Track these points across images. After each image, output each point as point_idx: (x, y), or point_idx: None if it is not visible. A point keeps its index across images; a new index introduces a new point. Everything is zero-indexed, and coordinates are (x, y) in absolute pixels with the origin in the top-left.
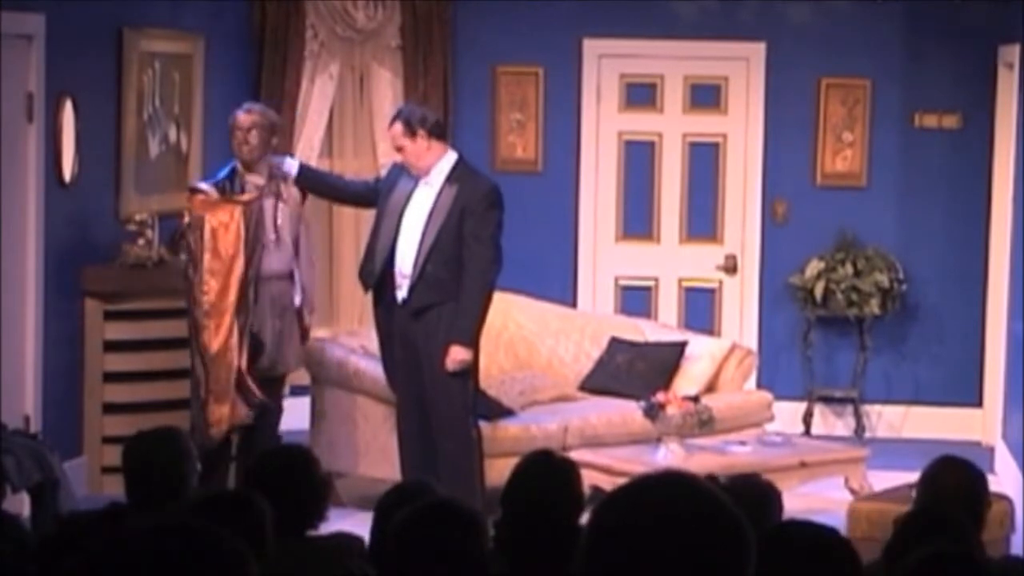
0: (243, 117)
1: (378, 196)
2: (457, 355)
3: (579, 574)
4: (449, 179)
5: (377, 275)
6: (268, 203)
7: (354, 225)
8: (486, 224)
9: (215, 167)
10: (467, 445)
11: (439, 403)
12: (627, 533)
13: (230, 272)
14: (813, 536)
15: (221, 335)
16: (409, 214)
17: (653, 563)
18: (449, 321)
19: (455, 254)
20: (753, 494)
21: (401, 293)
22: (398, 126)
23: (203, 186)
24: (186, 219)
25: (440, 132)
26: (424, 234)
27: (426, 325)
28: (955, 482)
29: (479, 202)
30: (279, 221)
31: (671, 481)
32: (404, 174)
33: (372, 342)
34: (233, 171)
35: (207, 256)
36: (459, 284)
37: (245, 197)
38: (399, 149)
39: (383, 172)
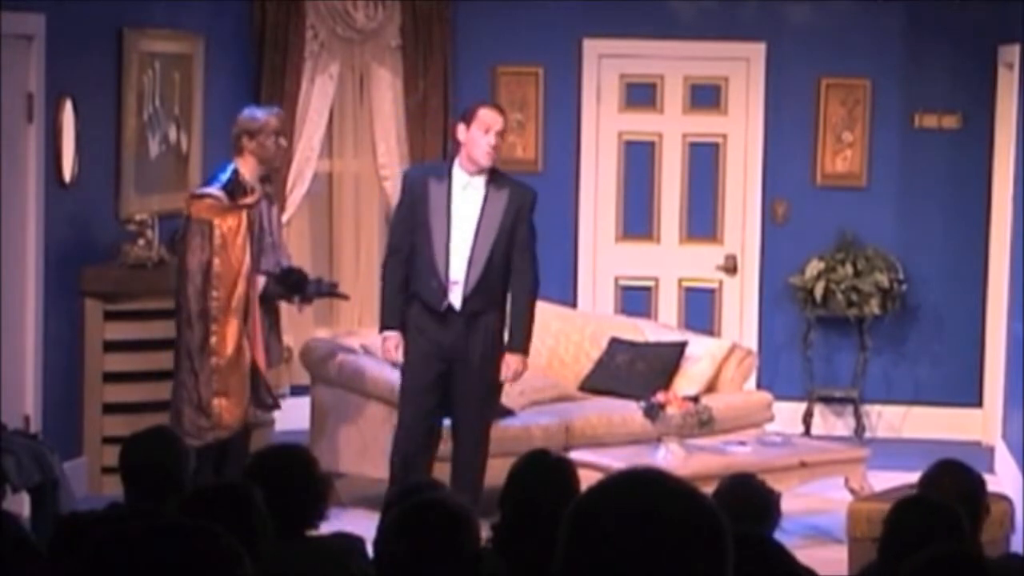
0: (275, 121)
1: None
2: (518, 366)
3: (558, 574)
4: (491, 181)
5: (442, 290)
6: (264, 204)
7: (354, 225)
8: (533, 230)
9: (215, 167)
10: (486, 450)
11: (479, 410)
12: (601, 533)
13: (238, 275)
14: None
15: (232, 338)
16: (458, 218)
17: (629, 562)
18: (497, 329)
19: (507, 260)
20: (753, 502)
21: (454, 299)
22: (504, 120)
23: (212, 191)
24: (181, 226)
25: None
26: (477, 238)
27: (475, 333)
28: (954, 485)
29: (530, 207)
30: (273, 222)
31: (643, 479)
32: (431, 178)
33: (372, 342)
34: (235, 174)
35: (216, 261)
36: (503, 290)
37: (249, 200)
38: (502, 134)
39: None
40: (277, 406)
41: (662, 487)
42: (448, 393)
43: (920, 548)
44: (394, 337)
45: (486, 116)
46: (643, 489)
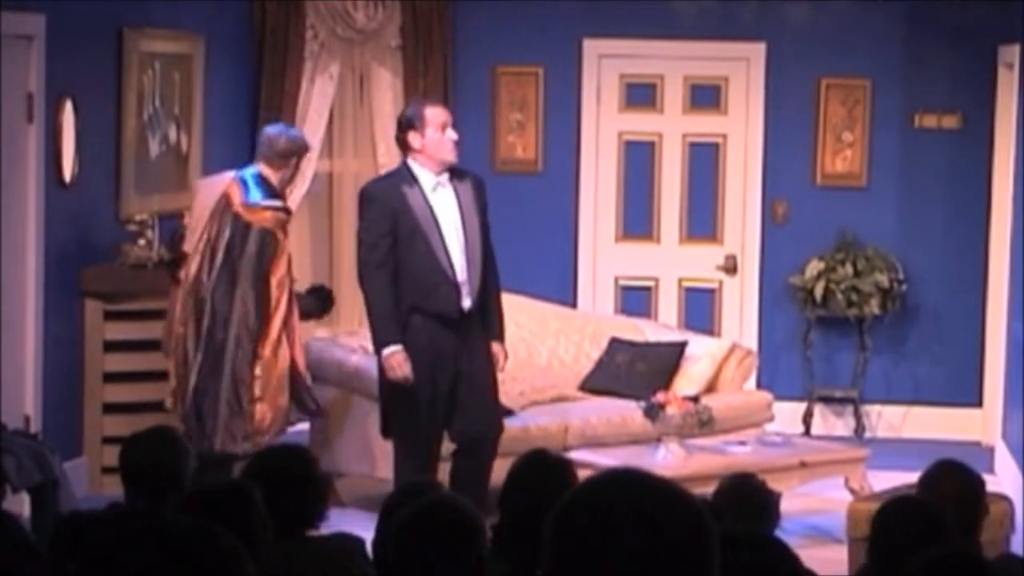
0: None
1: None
2: (505, 354)
3: (544, 574)
4: (452, 175)
5: (456, 293)
6: None
7: (354, 225)
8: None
9: (215, 167)
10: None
11: (494, 407)
12: (585, 533)
13: (285, 282)
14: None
15: (272, 340)
16: (444, 221)
17: (613, 562)
18: (478, 322)
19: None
20: (753, 502)
21: (465, 303)
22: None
23: (278, 203)
24: (227, 231)
25: None
26: (467, 235)
27: (477, 335)
28: (953, 486)
29: (486, 194)
30: None
31: (626, 478)
32: (401, 186)
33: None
34: (268, 183)
35: (272, 270)
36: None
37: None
38: (457, 145)
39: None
40: (319, 411)
41: (645, 486)
42: (454, 400)
43: (908, 549)
44: (400, 352)
45: (435, 115)
46: (626, 489)
